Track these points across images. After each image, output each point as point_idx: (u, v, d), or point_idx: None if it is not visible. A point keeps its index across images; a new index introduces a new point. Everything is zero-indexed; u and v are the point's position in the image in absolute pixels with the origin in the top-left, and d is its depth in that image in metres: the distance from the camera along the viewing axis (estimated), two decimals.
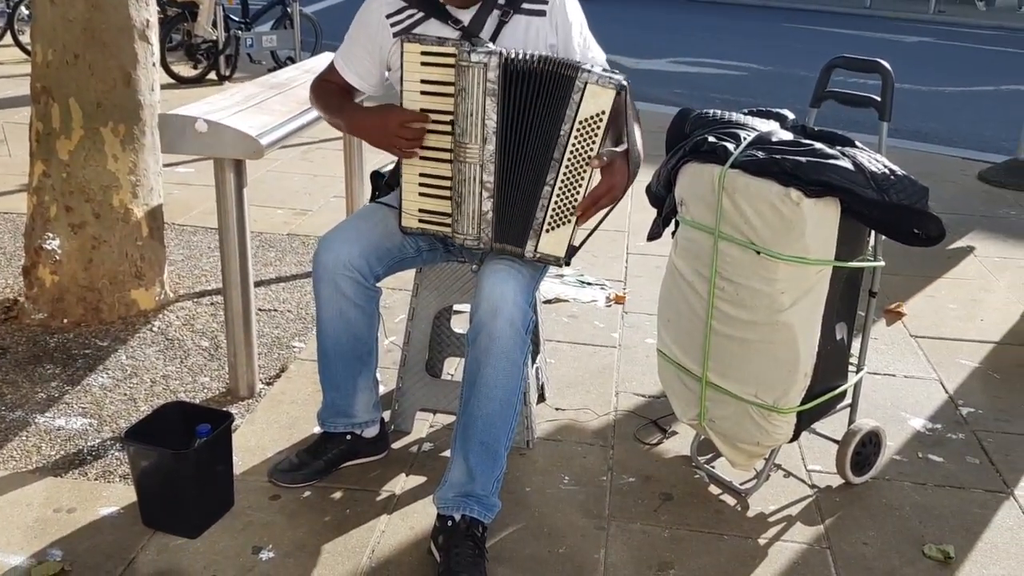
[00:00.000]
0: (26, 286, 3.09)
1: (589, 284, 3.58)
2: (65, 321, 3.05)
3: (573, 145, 1.94)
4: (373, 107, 2.13)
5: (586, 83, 1.90)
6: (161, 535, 2.09)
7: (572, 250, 2.06)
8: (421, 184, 2.07)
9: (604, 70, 1.95)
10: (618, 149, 1.99)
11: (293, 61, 7.71)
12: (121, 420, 2.54)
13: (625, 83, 1.92)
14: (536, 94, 1.94)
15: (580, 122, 1.92)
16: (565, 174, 1.96)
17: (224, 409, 2.47)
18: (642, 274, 3.70)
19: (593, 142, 1.94)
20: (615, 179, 1.98)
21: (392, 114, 2.03)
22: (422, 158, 2.05)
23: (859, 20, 14.69)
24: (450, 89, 1.97)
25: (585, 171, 1.96)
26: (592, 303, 3.43)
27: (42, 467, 2.33)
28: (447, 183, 2.04)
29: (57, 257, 3.01)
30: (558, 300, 3.42)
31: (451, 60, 1.94)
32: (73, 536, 2.08)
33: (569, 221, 2.00)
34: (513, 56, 1.93)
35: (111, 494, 2.23)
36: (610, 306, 3.41)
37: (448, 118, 2.00)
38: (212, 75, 7.35)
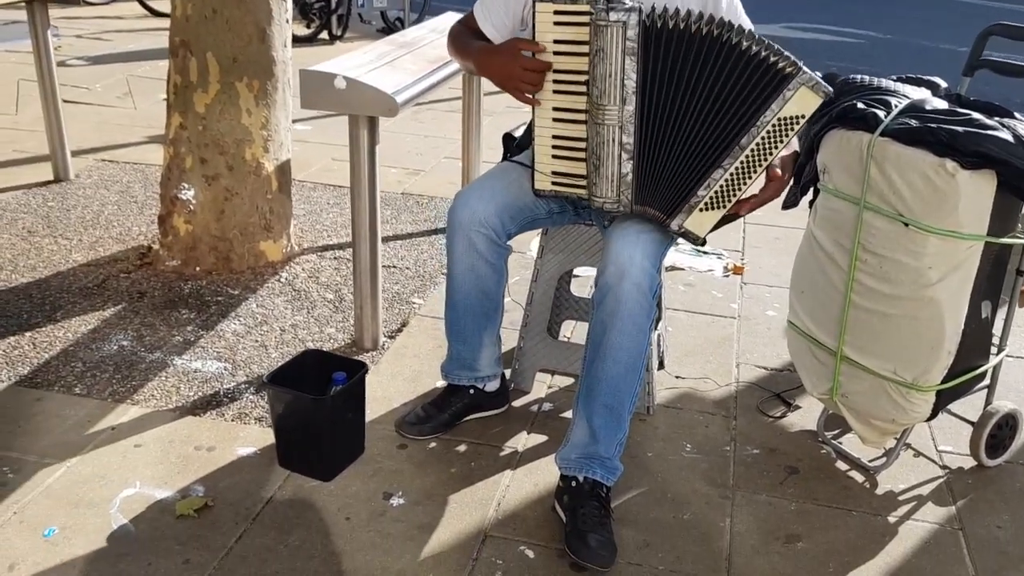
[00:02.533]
0: (161, 234, 3.22)
1: (706, 253, 3.54)
2: (198, 269, 3.16)
3: (764, 138, 1.88)
4: (500, 44, 2.10)
5: (801, 85, 1.83)
6: (296, 477, 2.16)
7: (703, 239, 2.03)
8: (555, 147, 2.05)
9: (813, 72, 1.88)
10: (787, 154, 1.96)
11: (402, 22, 7.77)
12: (254, 365, 2.63)
13: (831, 91, 1.86)
14: (697, 59, 1.87)
15: (780, 119, 1.86)
16: (744, 162, 1.91)
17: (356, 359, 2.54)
18: (761, 245, 3.63)
19: (782, 141, 1.88)
20: (780, 185, 1.97)
21: (515, 54, 1.99)
22: (555, 120, 2.03)
23: None
24: (584, 48, 1.93)
25: (761, 165, 1.91)
26: (709, 272, 3.38)
27: (181, 407, 2.43)
28: (582, 144, 2.02)
29: (192, 207, 3.12)
30: (674, 268, 3.39)
31: (586, 19, 1.91)
32: (214, 473, 2.17)
33: (724, 207, 1.96)
34: (660, 13, 1.86)
35: (248, 435, 2.32)
36: (728, 276, 3.36)
37: (583, 78, 1.96)
38: (324, 34, 7.46)
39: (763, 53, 1.84)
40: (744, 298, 3.20)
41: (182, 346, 2.72)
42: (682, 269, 3.39)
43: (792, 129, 1.87)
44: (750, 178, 1.92)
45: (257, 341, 2.77)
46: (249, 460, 2.23)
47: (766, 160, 1.90)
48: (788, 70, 1.83)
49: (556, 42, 1.96)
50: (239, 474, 2.17)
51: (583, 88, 1.97)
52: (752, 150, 1.89)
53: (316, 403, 2.10)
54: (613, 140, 1.97)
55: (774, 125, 1.86)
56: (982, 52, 2.30)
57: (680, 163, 1.96)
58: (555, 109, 2.02)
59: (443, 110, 5.38)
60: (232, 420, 2.38)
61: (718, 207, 1.96)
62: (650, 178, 1.99)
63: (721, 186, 1.94)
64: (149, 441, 2.29)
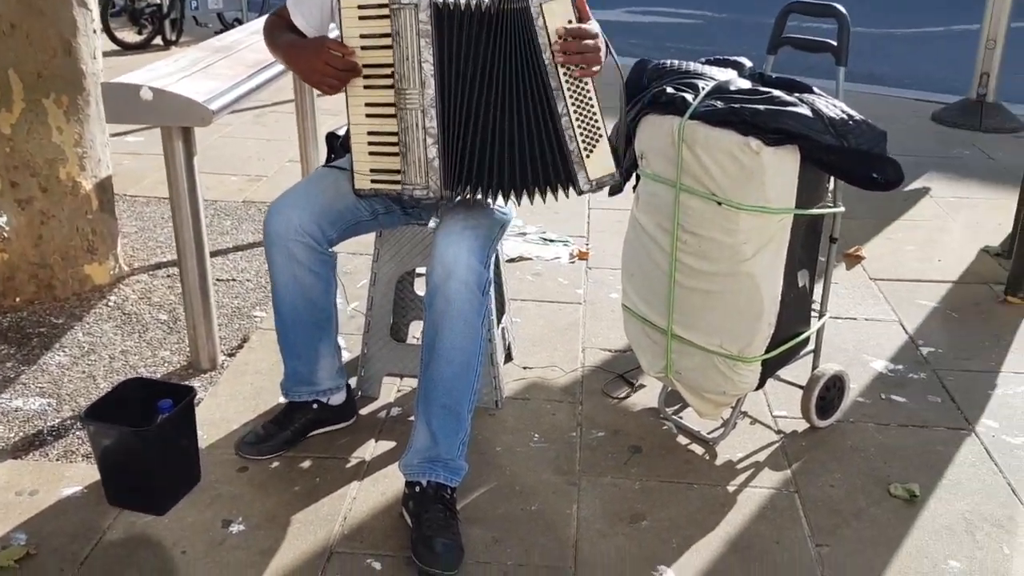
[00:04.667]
0: None
1: (552, 241, 3.57)
2: (17, 299, 2.97)
3: (563, 65, 1.85)
4: (307, 40, 2.06)
5: (540, 4, 1.82)
6: (128, 513, 2.06)
7: (618, 158, 1.96)
8: (370, 143, 2.01)
9: None
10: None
11: (241, 23, 7.53)
12: (81, 398, 2.49)
13: None
14: (484, 32, 1.86)
15: (555, 41, 1.84)
16: (571, 94, 1.87)
17: (186, 383, 2.44)
18: (605, 229, 3.68)
19: (577, 56, 1.85)
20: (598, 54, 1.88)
21: (320, 50, 1.94)
22: (368, 116, 1.99)
23: None
24: (389, 41, 1.91)
25: (586, 82, 1.88)
26: (556, 260, 3.41)
27: (1, 450, 2.28)
28: (395, 139, 1.99)
29: (5, 234, 2.93)
30: (521, 258, 3.40)
31: (386, 11, 1.88)
32: (37, 518, 2.04)
33: (600, 137, 1.91)
34: None
35: (74, 474, 2.19)
36: (574, 263, 3.40)
37: (390, 70, 1.93)
38: (158, 40, 7.15)
39: (516, 4, 1.83)
40: (589, 283, 3.24)
41: (1, 384, 2.54)
42: (529, 259, 3.41)
43: (572, 34, 1.84)
44: (590, 97, 1.88)
45: (84, 372, 2.62)
46: (75, 500, 2.10)
47: (584, 75, 1.87)
48: (520, 6, 1.82)
49: (363, 36, 1.93)
50: (64, 517, 2.05)
51: (391, 80, 1.94)
52: (566, 80, 1.86)
53: (139, 435, 1.99)
54: (417, 125, 1.95)
55: (556, 48, 1.83)
56: (783, 30, 2.38)
57: (505, 138, 1.92)
58: (367, 104, 1.98)
59: (286, 112, 5.22)
60: (57, 460, 2.24)
61: (597, 140, 1.91)
62: (462, 161, 1.95)
63: (579, 125, 1.89)
64: None
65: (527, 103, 1.90)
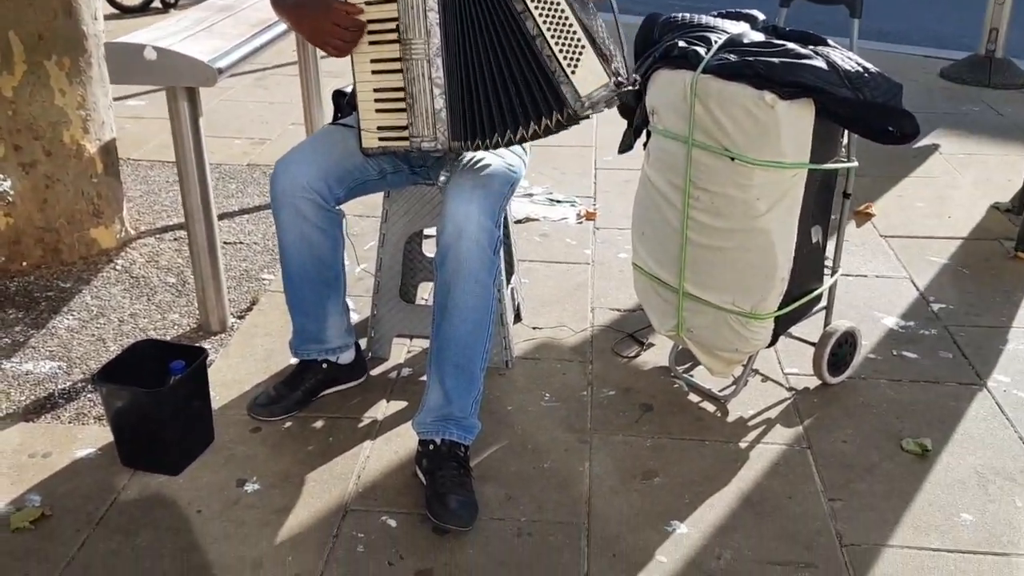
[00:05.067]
0: None
1: (559, 202, 3.55)
2: (24, 264, 2.96)
3: None
4: (313, 1, 2.01)
5: None
6: (142, 474, 2.06)
7: (618, 68, 1.84)
8: (377, 100, 1.99)
9: None
10: None
11: None
12: (91, 361, 2.49)
13: None
14: None
15: None
16: (540, 12, 1.82)
17: (197, 344, 2.43)
18: (611, 189, 3.66)
19: None
20: None
21: (328, 10, 1.91)
22: (374, 72, 1.97)
23: None
24: None
25: (559, 4, 1.81)
26: (563, 221, 3.39)
27: (13, 413, 2.28)
28: (402, 95, 1.96)
29: (10, 198, 2.91)
30: (528, 219, 3.38)
31: None
32: (51, 480, 2.05)
33: (584, 48, 1.83)
34: None
35: (87, 436, 2.19)
36: (581, 223, 3.38)
37: (395, 24, 1.91)
38: (156, 4, 7.06)
39: None
40: (597, 243, 3.22)
41: (11, 348, 2.54)
42: (537, 220, 3.39)
43: None
44: (565, 14, 1.82)
45: (93, 335, 2.61)
46: (89, 462, 2.11)
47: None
48: None
49: None
50: (78, 478, 2.05)
51: (396, 35, 1.92)
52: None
53: (153, 396, 1.99)
54: (423, 75, 1.92)
55: None
56: None
57: (487, 77, 1.88)
58: (372, 61, 1.96)
59: (288, 74, 5.17)
60: (69, 422, 2.25)
61: (580, 54, 1.84)
62: (468, 109, 1.92)
63: (555, 43, 1.83)
64: None
65: (498, 32, 1.85)
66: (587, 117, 1.89)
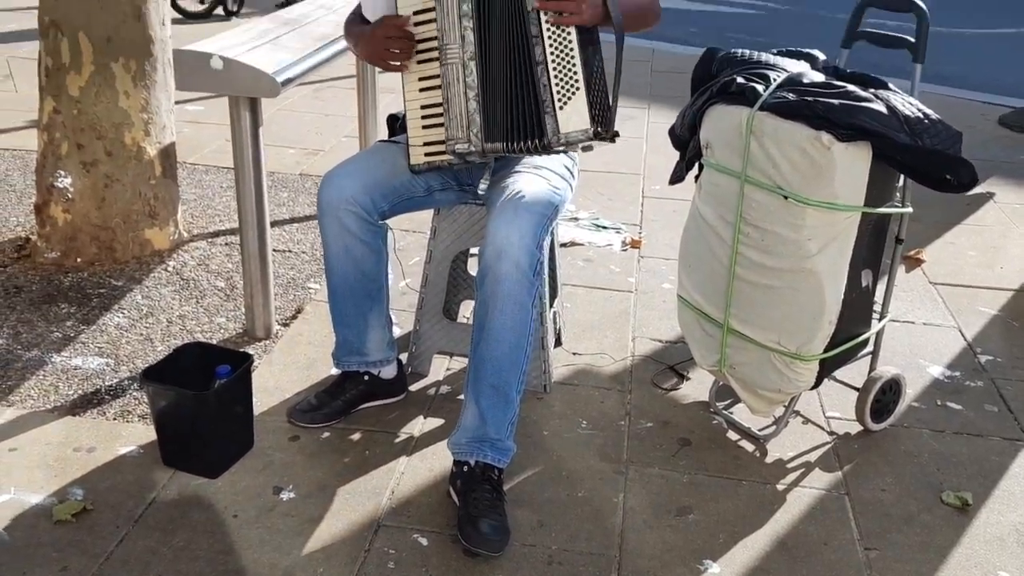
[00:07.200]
0: (38, 224, 3.07)
1: (604, 228, 3.55)
2: (79, 260, 3.03)
3: (544, 12, 1.87)
4: (372, 24, 2.10)
5: None
6: (181, 475, 2.09)
7: (604, 119, 1.93)
8: (423, 116, 2.05)
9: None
10: None
11: None
12: (138, 360, 2.54)
13: None
14: None
15: None
16: (551, 42, 1.88)
17: (242, 350, 2.47)
18: (658, 218, 3.66)
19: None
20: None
21: (378, 25, 2.03)
22: (421, 90, 2.03)
23: None
24: (434, 14, 1.97)
25: (568, 32, 1.88)
26: (607, 247, 3.39)
27: (60, 406, 2.33)
28: (441, 108, 2.02)
29: (69, 195, 2.98)
30: (573, 244, 3.39)
31: None
32: (93, 474, 2.09)
33: (578, 90, 1.89)
34: None
35: (130, 433, 2.23)
36: (626, 250, 3.38)
37: (437, 43, 1.99)
38: (219, 10, 7.21)
39: None
40: (641, 272, 3.22)
41: (61, 342, 2.60)
42: (581, 244, 3.39)
43: None
44: (571, 50, 1.88)
45: (142, 334, 2.66)
46: (131, 459, 2.15)
47: (565, 25, 1.86)
48: None
49: (415, 12, 2.00)
50: (120, 475, 2.09)
51: (439, 52, 1.99)
52: (547, 29, 1.87)
53: (198, 399, 2.03)
54: (458, 79, 1.98)
55: None
56: (860, 23, 2.33)
57: (512, 85, 1.94)
58: (420, 79, 2.03)
59: (344, 87, 5.25)
60: (114, 419, 2.29)
61: (570, 91, 1.90)
62: (493, 111, 1.98)
63: (555, 76, 1.89)
64: (25, 444, 2.18)
65: (512, 49, 1.92)
66: (558, 153, 1.97)
